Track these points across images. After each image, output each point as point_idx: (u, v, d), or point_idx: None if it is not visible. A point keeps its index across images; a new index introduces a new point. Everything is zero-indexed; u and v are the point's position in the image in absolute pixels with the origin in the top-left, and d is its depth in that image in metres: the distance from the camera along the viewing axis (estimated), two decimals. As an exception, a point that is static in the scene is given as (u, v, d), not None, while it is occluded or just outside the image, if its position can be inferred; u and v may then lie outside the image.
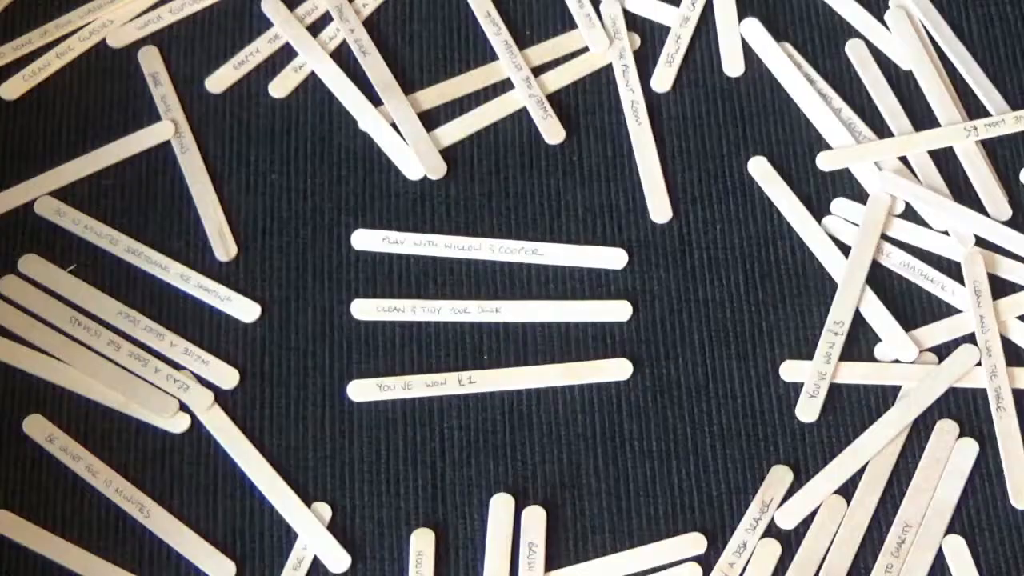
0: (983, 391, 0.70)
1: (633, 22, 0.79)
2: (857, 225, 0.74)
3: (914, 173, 0.75)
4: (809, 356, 0.71)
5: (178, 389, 0.70)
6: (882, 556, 0.67)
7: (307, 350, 0.72)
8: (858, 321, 0.72)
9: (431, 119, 0.77)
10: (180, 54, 0.78)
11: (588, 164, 0.76)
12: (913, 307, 0.73)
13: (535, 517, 0.68)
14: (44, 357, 0.71)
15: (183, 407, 0.70)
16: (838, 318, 0.72)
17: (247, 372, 0.71)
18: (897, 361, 0.71)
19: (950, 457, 0.69)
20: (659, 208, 0.74)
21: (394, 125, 0.76)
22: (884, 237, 0.74)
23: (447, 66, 0.78)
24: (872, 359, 0.71)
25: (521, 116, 0.77)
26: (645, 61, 0.78)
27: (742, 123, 0.77)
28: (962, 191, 0.75)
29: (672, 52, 0.78)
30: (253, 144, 0.76)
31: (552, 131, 0.76)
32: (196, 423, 0.70)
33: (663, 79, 0.77)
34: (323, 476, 0.69)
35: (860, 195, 0.75)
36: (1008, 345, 0.71)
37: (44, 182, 0.75)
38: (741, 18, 0.79)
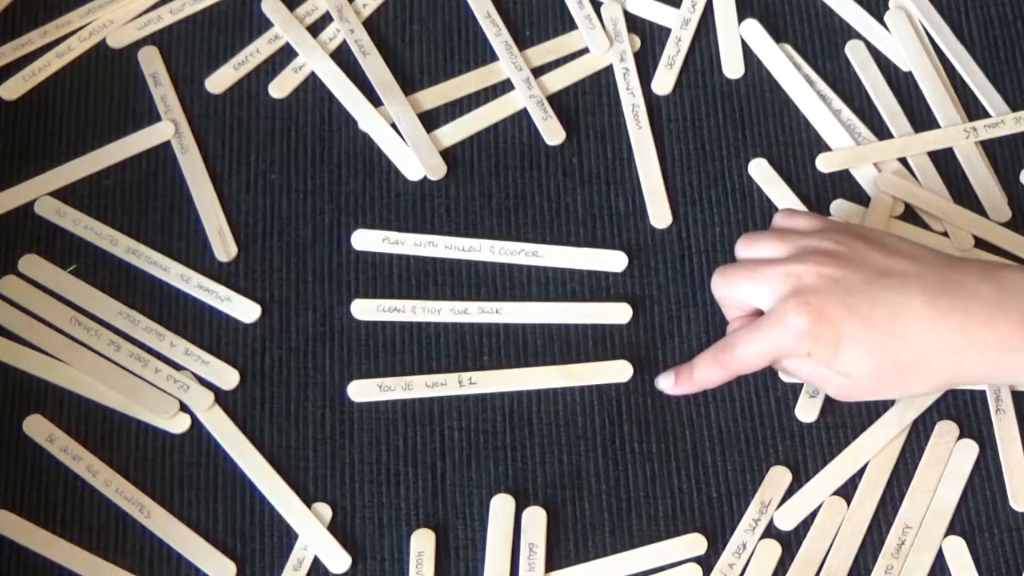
0: (982, 393, 0.70)
1: (633, 24, 0.79)
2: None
3: (914, 174, 0.75)
4: (809, 358, 0.71)
5: (178, 389, 0.70)
6: (882, 557, 0.67)
7: (307, 350, 0.72)
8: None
9: (431, 119, 0.77)
10: (180, 54, 0.78)
11: (588, 166, 0.76)
12: (912, 308, 0.73)
13: (535, 518, 0.68)
14: (44, 357, 0.71)
15: (183, 407, 0.70)
16: (838, 319, 0.72)
17: (247, 372, 0.71)
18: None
19: (950, 458, 0.69)
20: (659, 214, 0.74)
21: (394, 125, 0.76)
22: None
23: (447, 67, 0.78)
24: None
25: (521, 117, 0.77)
26: (645, 63, 0.78)
27: (742, 125, 0.77)
28: (961, 192, 0.75)
29: (673, 55, 0.78)
30: (253, 144, 0.76)
31: (552, 132, 0.76)
32: (196, 423, 0.70)
33: (664, 82, 0.77)
34: (323, 476, 0.69)
35: (860, 197, 0.75)
36: (1007, 347, 0.71)
37: (44, 182, 0.75)
38: (741, 19, 0.79)
